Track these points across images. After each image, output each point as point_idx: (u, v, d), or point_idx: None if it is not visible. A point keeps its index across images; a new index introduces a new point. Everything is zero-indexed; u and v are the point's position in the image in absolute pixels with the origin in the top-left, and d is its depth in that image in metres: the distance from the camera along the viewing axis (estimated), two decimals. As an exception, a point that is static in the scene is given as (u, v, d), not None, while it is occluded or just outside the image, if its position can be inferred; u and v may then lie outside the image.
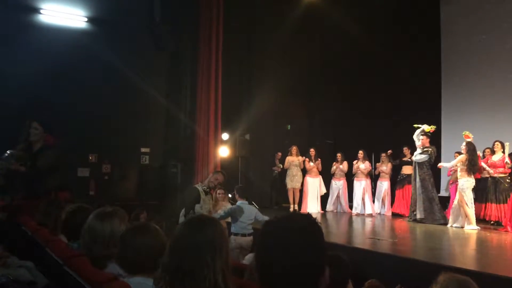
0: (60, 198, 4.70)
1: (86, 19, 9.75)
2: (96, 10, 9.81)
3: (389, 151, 10.05)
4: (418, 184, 8.57)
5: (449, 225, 7.94)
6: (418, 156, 8.60)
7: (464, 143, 7.93)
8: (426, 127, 8.70)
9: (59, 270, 2.44)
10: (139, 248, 2.02)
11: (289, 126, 11.47)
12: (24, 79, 8.29)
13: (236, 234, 5.70)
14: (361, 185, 10.05)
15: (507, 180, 8.11)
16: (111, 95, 9.42)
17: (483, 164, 8.25)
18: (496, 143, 8.32)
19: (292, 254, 1.29)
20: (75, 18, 9.67)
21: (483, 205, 8.39)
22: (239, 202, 5.96)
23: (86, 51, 9.04)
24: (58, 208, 3.67)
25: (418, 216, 8.48)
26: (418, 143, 8.71)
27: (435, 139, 9.30)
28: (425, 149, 8.57)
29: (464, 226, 7.66)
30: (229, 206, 6.21)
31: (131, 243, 2.04)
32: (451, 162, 8.31)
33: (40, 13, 9.30)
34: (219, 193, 6.54)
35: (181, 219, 5.91)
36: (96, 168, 9.73)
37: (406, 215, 9.21)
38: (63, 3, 9.49)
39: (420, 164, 8.58)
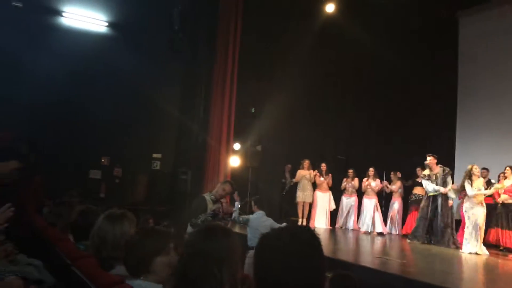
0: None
1: (106, 24, 9.90)
2: (117, 15, 9.97)
3: (398, 173, 9.96)
4: (435, 206, 8.41)
5: (463, 250, 7.69)
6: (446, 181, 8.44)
7: (476, 166, 7.75)
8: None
9: (67, 270, 2.44)
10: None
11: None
12: (45, 80, 8.42)
13: (252, 248, 5.59)
14: (371, 203, 9.89)
15: None
16: (126, 100, 9.52)
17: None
18: (507, 168, 8.16)
19: (291, 268, 1.24)
20: (96, 22, 9.83)
21: (493, 230, 8.22)
22: (256, 213, 5.82)
23: (105, 55, 9.17)
24: (67, 209, 3.69)
25: (431, 238, 8.36)
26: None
27: (449, 163, 9.16)
28: (445, 172, 8.44)
29: (477, 251, 7.46)
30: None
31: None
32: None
33: (62, 15, 9.48)
34: (223, 201, 6.48)
35: (189, 228, 5.86)
36: (108, 171, 9.81)
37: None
38: (85, 7, 9.67)
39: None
